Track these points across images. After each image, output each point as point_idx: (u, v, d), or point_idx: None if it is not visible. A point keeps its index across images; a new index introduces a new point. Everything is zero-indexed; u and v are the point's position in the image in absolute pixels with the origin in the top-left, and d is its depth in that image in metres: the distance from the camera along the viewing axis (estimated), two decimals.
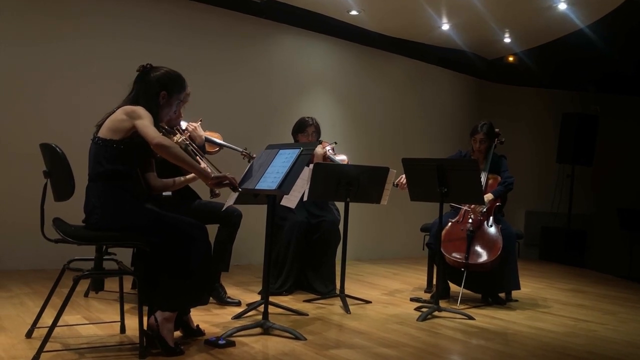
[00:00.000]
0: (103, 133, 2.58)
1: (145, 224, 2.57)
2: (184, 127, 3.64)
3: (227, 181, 2.68)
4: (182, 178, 3.22)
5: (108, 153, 2.55)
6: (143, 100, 2.65)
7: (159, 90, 2.69)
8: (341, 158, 4.50)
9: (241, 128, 5.48)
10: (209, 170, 2.78)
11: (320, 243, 4.29)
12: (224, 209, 3.28)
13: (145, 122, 2.53)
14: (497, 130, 4.48)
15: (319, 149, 4.37)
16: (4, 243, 4.51)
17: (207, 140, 3.80)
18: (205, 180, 2.67)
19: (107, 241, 2.59)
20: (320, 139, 4.48)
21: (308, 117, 4.47)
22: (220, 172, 2.75)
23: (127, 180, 2.60)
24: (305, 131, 4.39)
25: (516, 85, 8.35)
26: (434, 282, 4.56)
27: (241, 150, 3.96)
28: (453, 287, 4.37)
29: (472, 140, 4.47)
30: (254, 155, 3.83)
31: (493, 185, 4.29)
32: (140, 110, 2.57)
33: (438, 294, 3.88)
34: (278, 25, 6.09)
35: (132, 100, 2.66)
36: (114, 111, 2.63)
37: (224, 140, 3.92)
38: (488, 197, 4.16)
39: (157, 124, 2.66)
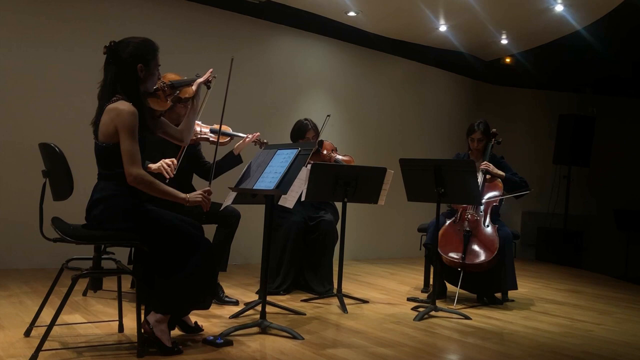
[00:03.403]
0: (100, 137, 2.54)
1: (146, 226, 2.56)
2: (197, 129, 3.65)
3: (203, 201, 2.67)
4: (189, 110, 3.02)
5: (109, 156, 2.52)
6: (121, 84, 2.54)
7: (135, 65, 2.56)
8: (347, 158, 4.54)
9: (239, 129, 5.48)
10: (184, 195, 2.66)
11: (317, 243, 4.31)
12: (222, 208, 3.29)
13: (126, 144, 2.45)
14: (494, 130, 4.50)
15: (327, 145, 4.48)
16: (3, 242, 4.52)
17: (215, 132, 3.77)
18: (184, 203, 2.64)
19: (105, 240, 2.59)
20: (320, 139, 4.50)
21: (306, 120, 4.47)
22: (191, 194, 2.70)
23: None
24: (305, 137, 4.40)
25: (513, 86, 8.38)
26: (431, 282, 4.58)
27: (248, 136, 3.91)
28: (450, 287, 4.39)
29: (469, 140, 4.50)
30: (265, 141, 3.83)
31: (490, 186, 4.31)
32: (123, 117, 2.46)
33: (435, 293, 3.90)
34: (276, 26, 6.10)
35: (109, 87, 2.55)
36: (102, 108, 2.54)
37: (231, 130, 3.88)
38: (498, 172, 4.31)
39: (143, 102, 2.61)
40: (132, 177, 2.47)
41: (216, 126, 3.75)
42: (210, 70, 3.11)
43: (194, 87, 2.98)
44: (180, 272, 2.58)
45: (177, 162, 3.18)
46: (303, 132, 4.41)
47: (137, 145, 2.50)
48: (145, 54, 2.60)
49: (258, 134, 3.85)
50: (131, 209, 2.55)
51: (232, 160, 3.81)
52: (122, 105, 2.49)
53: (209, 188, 2.71)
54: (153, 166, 3.10)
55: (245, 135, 3.84)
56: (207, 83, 3.07)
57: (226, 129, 3.81)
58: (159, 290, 2.62)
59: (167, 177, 3.07)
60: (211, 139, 3.73)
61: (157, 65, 2.68)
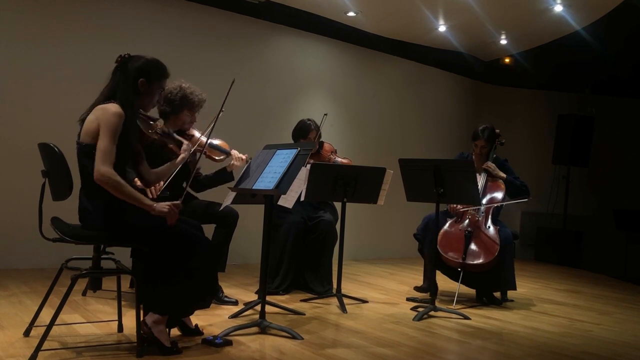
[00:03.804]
0: (82, 136, 2.52)
1: (141, 230, 2.55)
2: (197, 136, 3.63)
3: (170, 213, 2.55)
4: (169, 164, 3.03)
5: (90, 157, 2.48)
6: (120, 91, 2.57)
7: (137, 78, 2.61)
8: (345, 161, 4.54)
9: (239, 129, 5.49)
10: (151, 202, 2.56)
11: (317, 243, 4.31)
12: (221, 208, 3.29)
13: (103, 141, 2.42)
14: (497, 131, 4.50)
15: (327, 147, 4.46)
16: (3, 242, 4.52)
17: (213, 146, 3.76)
18: (151, 211, 2.52)
19: (104, 241, 2.59)
20: (321, 140, 4.50)
21: (309, 120, 4.47)
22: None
23: None
24: (307, 137, 4.40)
25: (512, 86, 8.38)
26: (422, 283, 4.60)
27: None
28: (449, 286, 4.39)
29: (472, 144, 4.50)
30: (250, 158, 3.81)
31: (492, 186, 4.31)
32: (108, 115, 2.46)
33: (433, 287, 3.90)
34: (276, 26, 6.10)
35: (110, 92, 2.59)
36: (93, 107, 2.56)
37: (229, 148, 3.86)
38: (499, 174, 4.33)
39: (135, 114, 2.62)
40: (99, 174, 2.41)
41: (215, 141, 3.74)
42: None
43: (181, 154, 3.03)
44: (180, 273, 2.56)
45: (164, 185, 3.17)
46: (306, 132, 4.42)
47: (114, 147, 2.46)
48: (150, 72, 2.65)
49: (245, 157, 3.79)
50: (126, 216, 2.53)
51: (223, 176, 3.80)
52: (110, 106, 2.50)
53: (179, 202, 2.61)
54: (140, 183, 3.08)
55: (228, 151, 3.76)
56: (190, 159, 3.13)
57: (224, 146, 3.78)
58: (159, 292, 2.60)
59: (150, 197, 3.07)
60: (207, 153, 3.72)
61: (160, 89, 2.72)
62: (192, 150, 3.30)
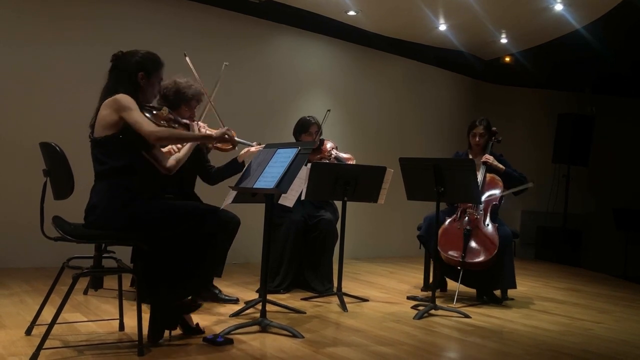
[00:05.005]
0: (97, 132, 2.58)
1: (152, 219, 2.58)
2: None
3: (227, 135, 2.86)
4: (185, 148, 3.12)
5: (106, 149, 2.55)
6: (121, 86, 2.63)
7: (136, 72, 2.67)
8: (347, 156, 4.54)
9: (239, 128, 5.46)
10: (206, 131, 2.83)
11: (317, 242, 4.31)
12: (222, 207, 3.28)
13: (134, 116, 2.52)
14: (494, 128, 4.51)
15: (328, 144, 4.46)
16: (4, 241, 4.53)
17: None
18: (211, 142, 2.92)
19: (106, 239, 2.60)
20: (322, 137, 4.51)
21: (309, 117, 4.50)
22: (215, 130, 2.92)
23: (130, 175, 2.59)
24: (308, 131, 4.42)
25: (512, 85, 8.39)
26: (431, 276, 4.59)
27: (254, 144, 3.92)
28: (449, 284, 4.39)
29: (470, 136, 4.51)
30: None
31: (491, 183, 4.32)
32: (122, 99, 2.54)
33: (435, 285, 3.90)
34: (276, 25, 6.11)
35: (110, 89, 2.64)
36: (99, 107, 2.62)
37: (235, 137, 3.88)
38: (498, 165, 4.32)
39: (140, 105, 2.67)
40: (153, 135, 2.54)
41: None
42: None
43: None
44: (209, 245, 2.65)
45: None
46: (307, 127, 4.43)
47: (144, 116, 2.59)
48: (147, 64, 2.71)
49: (262, 145, 3.82)
50: (136, 207, 2.56)
51: (234, 167, 3.81)
52: (117, 95, 2.57)
53: (226, 128, 2.90)
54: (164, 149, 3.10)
55: (250, 144, 3.80)
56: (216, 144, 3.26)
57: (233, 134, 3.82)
58: (184, 274, 2.64)
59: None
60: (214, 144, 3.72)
61: (159, 79, 2.79)
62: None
